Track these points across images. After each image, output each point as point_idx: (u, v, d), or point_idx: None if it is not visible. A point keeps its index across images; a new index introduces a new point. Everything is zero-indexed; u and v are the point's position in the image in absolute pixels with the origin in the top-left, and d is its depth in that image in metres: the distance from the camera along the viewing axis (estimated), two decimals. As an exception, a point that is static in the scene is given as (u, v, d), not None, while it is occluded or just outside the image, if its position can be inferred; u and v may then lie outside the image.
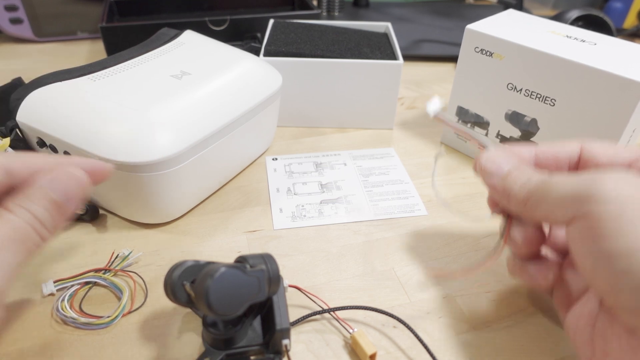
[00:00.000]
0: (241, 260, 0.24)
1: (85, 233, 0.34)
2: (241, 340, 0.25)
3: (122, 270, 0.31)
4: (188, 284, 0.23)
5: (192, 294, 0.23)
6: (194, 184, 0.35)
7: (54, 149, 0.33)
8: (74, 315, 0.28)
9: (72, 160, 0.24)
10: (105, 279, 0.30)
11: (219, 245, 0.34)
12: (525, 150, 0.27)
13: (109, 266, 0.31)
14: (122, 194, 0.33)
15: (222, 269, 0.21)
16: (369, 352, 0.25)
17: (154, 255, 0.33)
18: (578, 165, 0.26)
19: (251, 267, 0.23)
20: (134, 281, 0.31)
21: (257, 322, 0.26)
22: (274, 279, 0.24)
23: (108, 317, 0.28)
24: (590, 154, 0.25)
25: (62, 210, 0.22)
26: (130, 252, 0.32)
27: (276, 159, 0.43)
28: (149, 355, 0.26)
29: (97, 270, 0.31)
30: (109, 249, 0.33)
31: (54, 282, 0.30)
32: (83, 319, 0.28)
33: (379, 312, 0.28)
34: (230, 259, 0.33)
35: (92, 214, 0.35)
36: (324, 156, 0.44)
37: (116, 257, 0.32)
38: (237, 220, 0.36)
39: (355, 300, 0.30)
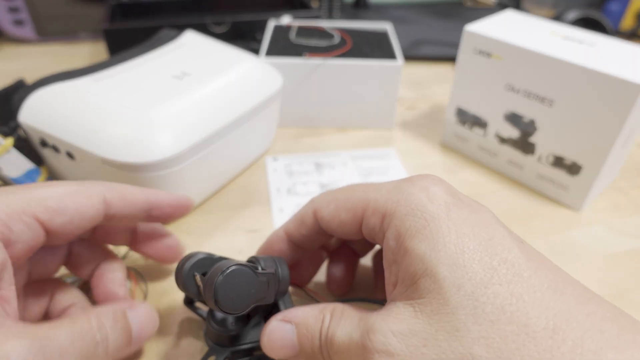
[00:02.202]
0: (253, 260, 0.24)
1: (87, 233, 0.35)
2: (245, 337, 0.25)
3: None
4: (199, 275, 0.23)
5: (202, 286, 0.23)
6: (194, 184, 0.35)
7: (56, 149, 0.33)
8: None
9: (161, 195, 0.26)
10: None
11: (220, 245, 0.34)
12: (278, 245, 0.26)
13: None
14: (124, 193, 0.33)
15: (234, 267, 0.21)
16: None
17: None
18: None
19: (262, 269, 0.23)
20: (135, 279, 0.31)
21: (261, 319, 0.26)
22: (283, 284, 0.24)
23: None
24: (322, 225, 0.24)
25: (128, 344, 0.22)
26: (128, 250, 0.32)
27: (276, 159, 0.44)
28: (150, 353, 0.27)
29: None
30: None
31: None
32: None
33: (377, 302, 0.29)
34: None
35: (93, 213, 0.35)
36: (324, 156, 0.44)
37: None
38: (238, 220, 0.37)
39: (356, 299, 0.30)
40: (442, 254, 0.18)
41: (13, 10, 0.64)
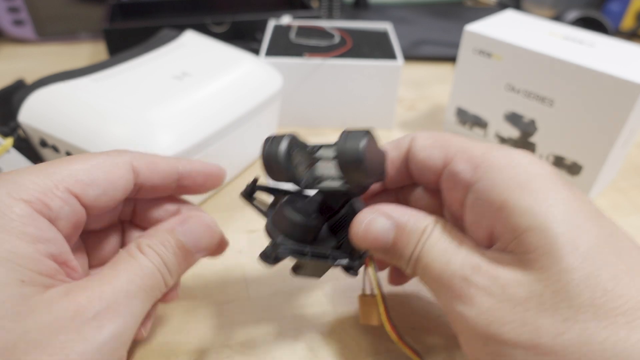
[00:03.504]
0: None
1: (86, 233, 0.35)
2: (318, 244, 0.23)
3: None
4: (298, 151, 0.22)
5: (295, 161, 0.21)
6: (194, 184, 0.35)
7: (55, 149, 0.33)
8: None
9: (192, 163, 0.24)
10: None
11: (220, 245, 0.34)
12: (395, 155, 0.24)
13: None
14: (124, 194, 0.33)
15: (370, 133, 0.20)
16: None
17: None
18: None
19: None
20: None
21: (329, 233, 0.24)
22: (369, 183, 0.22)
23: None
24: (412, 152, 0.23)
25: (189, 260, 0.22)
26: None
27: (276, 159, 0.44)
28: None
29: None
30: (111, 248, 0.33)
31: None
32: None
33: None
34: (230, 258, 0.33)
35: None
36: (323, 156, 0.44)
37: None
38: (238, 220, 0.37)
39: (356, 299, 0.30)
40: (553, 210, 0.17)
41: (13, 10, 0.64)
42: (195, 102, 0.34)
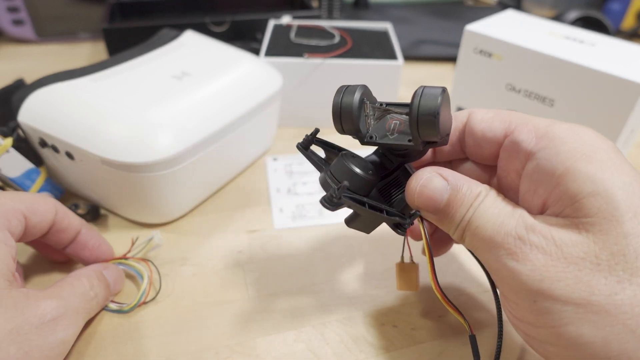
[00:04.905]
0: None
1: (86, 233, 0.35)
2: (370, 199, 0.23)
3: (141, 258, 0.32)
4: (369, 104, 0.22)
5: (371, 114, 0.22)
6: (194, 184, 0.35)
7: (55, 149, 0.33)
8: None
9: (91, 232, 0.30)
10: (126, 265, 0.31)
11: (220, 245, 0.34)
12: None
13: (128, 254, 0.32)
14: (123, 193, 0.33)
15: (446, 90, 0.20)
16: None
17: (154, 255, 0.33)
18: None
19: None
20: (150, 269, 0.31)
21: (379, 196, 0.25)
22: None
23: (128, 304, 0.29)
24: (470, 125, 0.24)
25: (109, 296, 0.28)
26: (152, 238, 0.32)
27: (276, 159, 0.44)
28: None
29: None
30: (110, 248, 0.33)
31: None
32: (113, 305, 0.29)
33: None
34: (230, 258, 0.33)
35: (93, 214, 0.35)
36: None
37: (139, 243, 0.32)
38: (238, 220, 0.36)
39: (356, 300, 0.30)
40: (616, 179, 0.18)
41: (13, 10, 0.64)
42: (195, 102, 0.34)
